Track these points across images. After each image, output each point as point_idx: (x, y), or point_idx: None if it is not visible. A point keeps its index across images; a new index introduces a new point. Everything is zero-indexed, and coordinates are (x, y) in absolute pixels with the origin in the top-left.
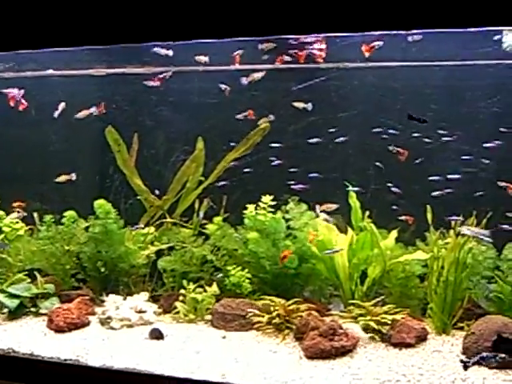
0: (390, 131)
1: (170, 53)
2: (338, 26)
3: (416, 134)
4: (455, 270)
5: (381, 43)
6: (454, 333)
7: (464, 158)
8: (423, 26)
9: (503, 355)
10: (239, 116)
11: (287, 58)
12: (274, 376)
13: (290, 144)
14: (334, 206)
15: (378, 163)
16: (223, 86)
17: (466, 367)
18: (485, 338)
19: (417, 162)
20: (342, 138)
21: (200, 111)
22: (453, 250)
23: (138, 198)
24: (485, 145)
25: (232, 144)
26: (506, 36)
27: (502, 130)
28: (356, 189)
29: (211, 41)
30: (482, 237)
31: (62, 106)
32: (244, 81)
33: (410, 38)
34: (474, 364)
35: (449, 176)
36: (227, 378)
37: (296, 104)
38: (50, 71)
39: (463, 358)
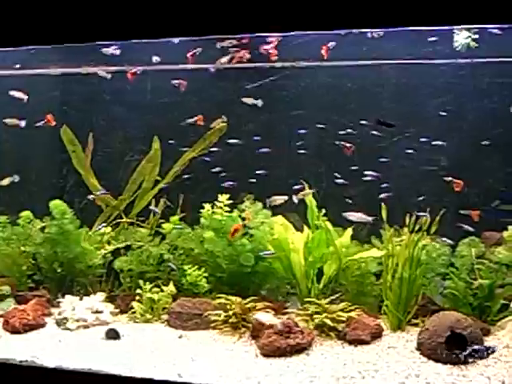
0: (349, 130)
1: (117, 52)
2: (288, 25)
3: (371, 132)
4: (409, 267)
5: (334, 43)
6: (408, 329)
7: (411, 153)
8: (374, 26)
9: (494, 347)
10: (190, 121)
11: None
12: (229, 374)
13: (245, 143)
14: (310, 191)
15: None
16: (176, 82)
17: (465, 362)
18: (438, 334)
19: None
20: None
21: (154, 111)
22: (407, 247)
23: (92, 197)
24: (435, 142)
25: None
26: (457, 35)
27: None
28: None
29: (163, 40)
30: (365, 221)
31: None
32: (212, 69)
33: (370, 35)
34: (467, 357)
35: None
36: (183, 378)
37: (245, 100)
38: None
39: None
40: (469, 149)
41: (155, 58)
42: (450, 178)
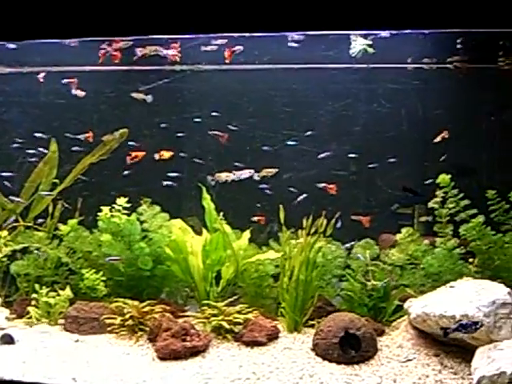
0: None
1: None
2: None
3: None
4: (306, 269)
5: (241, 48)
6: (305, 330)
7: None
8: (269, 29)
9: (481, 323)
10: (79, 137)
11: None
12: (125, 378)
13: (144, 146)
14: (273, 171)
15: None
16: (66, 81)
17: (446, 334)
18: (333, 335)
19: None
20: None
21: (49, 112)
22: (303, 250)
23: None
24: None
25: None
26: (355, 42)
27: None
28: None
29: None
30: None
31: None
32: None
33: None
34: (454, 331)
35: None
36: (78, 382)
37: (135, 95)
38: None
39: (444, 326)
40: (367, 153)
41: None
42: (323, 184)
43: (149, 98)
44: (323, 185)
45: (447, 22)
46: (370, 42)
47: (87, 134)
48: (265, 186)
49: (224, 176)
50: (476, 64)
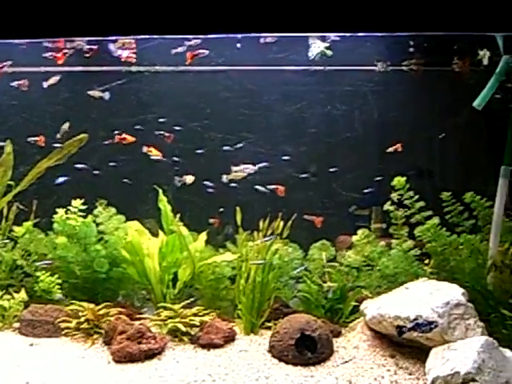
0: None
1: None
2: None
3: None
4: (262, 271)
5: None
6: (262, 332)
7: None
8: (224, 31)
9: (436, 323)
10: (31, 139)
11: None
12: (80, 381)
13: (96, 147)
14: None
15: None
16: (16, 83)
17: (401, 333)
18: (289, 337)
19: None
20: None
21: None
22: (259, 252)
23: None
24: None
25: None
26: (313, 45)
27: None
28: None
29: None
30: None
31: None
32: (45, 84)
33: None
34: (409, 330)
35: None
36: None
37: (91, 93)
38: None
39: (400, 324)
40: (325, 156)
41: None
42: (272, 186)
43: (106, 95)
44: (273, 186)
45: (403, 25)
46: (329, 45)
47: (38, 138)
48: (209, 184)
49: (189, 178)
50: (430, 67)
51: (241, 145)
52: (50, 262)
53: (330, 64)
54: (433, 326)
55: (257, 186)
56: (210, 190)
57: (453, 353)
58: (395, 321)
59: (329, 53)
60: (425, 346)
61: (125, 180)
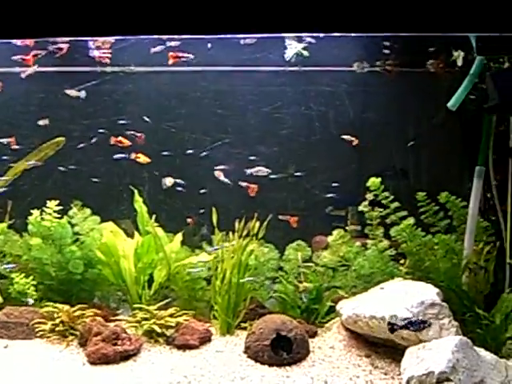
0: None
1: None
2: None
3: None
4: (238, 271)
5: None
6: (238, 333)
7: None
8: (201, 32)
9: (429, 323)
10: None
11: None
12: (54, 383)
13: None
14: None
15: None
16: None
17: (393, 330)
18: (265, 337)
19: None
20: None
21: None
22: (235, 252)
23: None
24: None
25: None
26: (290, 46)
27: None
28: None
29: None
30: None
31: None
32: (22, 75)
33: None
34: (401, 328)
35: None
36: None
37: (69, 92)
38: None
39: (392, 321)
40: (300, 156)
41: None
42: (245, 184)
43: (82, 94)
44: (245, 184)
45: (378, 26)
46: (305, 45)
47: (10, 139)
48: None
49: (169, 180)
50: (405, 67)
51: (216, 145)
52: (14, 265)
53: (306, 65)
54: (426, 325)
55: (223, 178)
56: (180, 189)
57: (427, 352)
58: (370, 321)
59: (305, 53)
60: (400, 346)
61: (95, 180)
